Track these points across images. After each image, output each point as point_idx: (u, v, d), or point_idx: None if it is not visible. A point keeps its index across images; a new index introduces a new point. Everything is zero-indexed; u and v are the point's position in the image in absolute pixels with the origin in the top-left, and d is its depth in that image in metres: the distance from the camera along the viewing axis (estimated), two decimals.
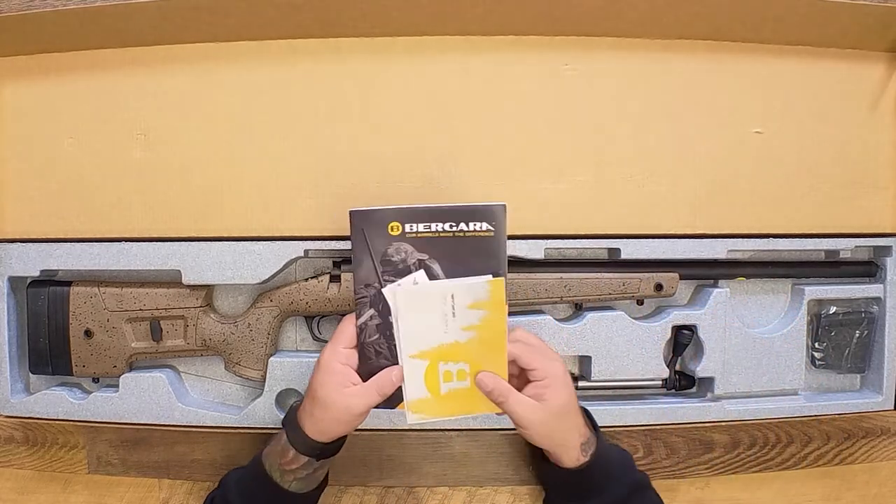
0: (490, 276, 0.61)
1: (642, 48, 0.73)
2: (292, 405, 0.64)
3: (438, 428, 0.74)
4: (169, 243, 0.72)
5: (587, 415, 0.66)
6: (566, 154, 0.73)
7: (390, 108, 0.72)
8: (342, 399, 0.59)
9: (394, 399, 0.62)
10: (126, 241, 0.72)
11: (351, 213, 0.61)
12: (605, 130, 0.73)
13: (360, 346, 0.61)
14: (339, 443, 0.63)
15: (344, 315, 0.73)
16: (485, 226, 0.61)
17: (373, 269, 0.61)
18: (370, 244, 0.60)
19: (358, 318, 0.61)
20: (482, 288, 0.60)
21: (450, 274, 0.61)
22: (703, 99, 0.74)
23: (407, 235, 0.60)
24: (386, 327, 0.61)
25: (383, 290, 0.61)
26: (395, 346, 0.61)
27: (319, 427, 0.60)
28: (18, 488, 0.79)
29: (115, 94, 0.72)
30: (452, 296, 0.60)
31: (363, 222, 0.60)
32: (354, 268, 0.61)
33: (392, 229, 0.60)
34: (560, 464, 0.63)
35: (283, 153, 0.72)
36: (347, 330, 0.61)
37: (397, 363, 0.61)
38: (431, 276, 0.61)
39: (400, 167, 0.73)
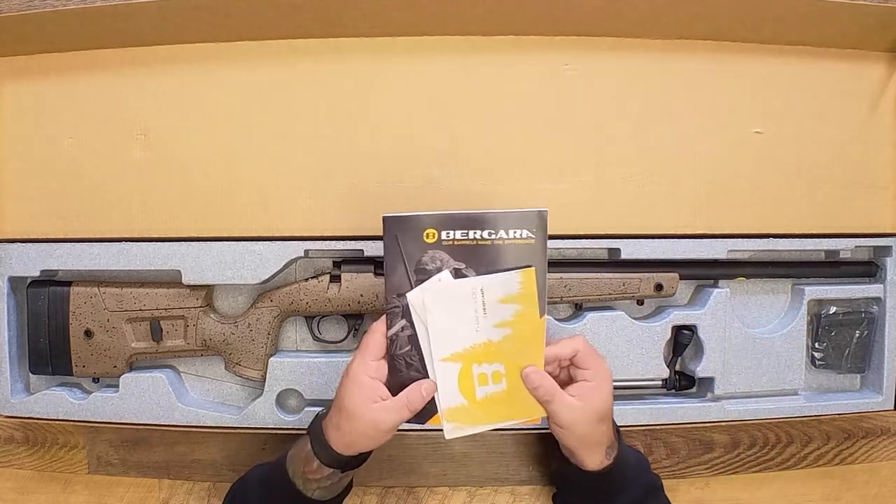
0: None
1: (642, 48, 0.73)
2: (318, 413, 0.62)
3: (439, 428, 0.74)
4: (169, 243, 0.72)
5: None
6: (566, 154, 0.73)
7: (390, 108, 0.72)
8: (370, 414, 0.57)
9: (424, 414, 0.59)
10: (126, 241, 0.72)
11: (384, 218, 0.57)
12: (605, 130, 0.73)
13: (390, 358, 0.59)
14: (364, 455, 0.62)
15: (346, 315, 0.74)
16: (525, 233, 0.58)
17: (406, 278, 0.58)
18: (404, 251, 0.58)
19: (389, 328, 0.59)
20: (513, 280, 0.58)
21: None
22: (703, 99, 0.74)
23: (443, 243, 0.57)
24: (418, 338, 0.59)
25: (408, 294, 0.58)
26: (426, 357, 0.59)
27: (345, 441, 0.58)
28: (18, 488, 0.79)
29: (115, 94, 0.72)
30: (482, 290, 0.58)
31: (397, 228, 0.57)
32: (386, 276, 0.58)
33: (428, 236, 0.57)
34: (583, 466, 0.62)
35: (283, 153, 0.72)
36: (377, 341, 0.59)
37: (428, 376, 0.59)
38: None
39: (400, 167, 0.73)
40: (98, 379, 0.75)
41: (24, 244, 0.73)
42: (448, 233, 0.58)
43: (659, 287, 0.73)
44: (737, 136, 0.74)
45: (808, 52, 0.74)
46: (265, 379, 0.73)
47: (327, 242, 0.72)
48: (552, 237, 0.72)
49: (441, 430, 0.60)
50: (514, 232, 0.58)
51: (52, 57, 0.72)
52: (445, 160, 0.73)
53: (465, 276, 0.58)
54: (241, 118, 0.72)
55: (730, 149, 0.74)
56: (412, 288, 0.58)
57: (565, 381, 0.61)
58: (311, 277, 0.73)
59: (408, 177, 0.73)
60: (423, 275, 0.58)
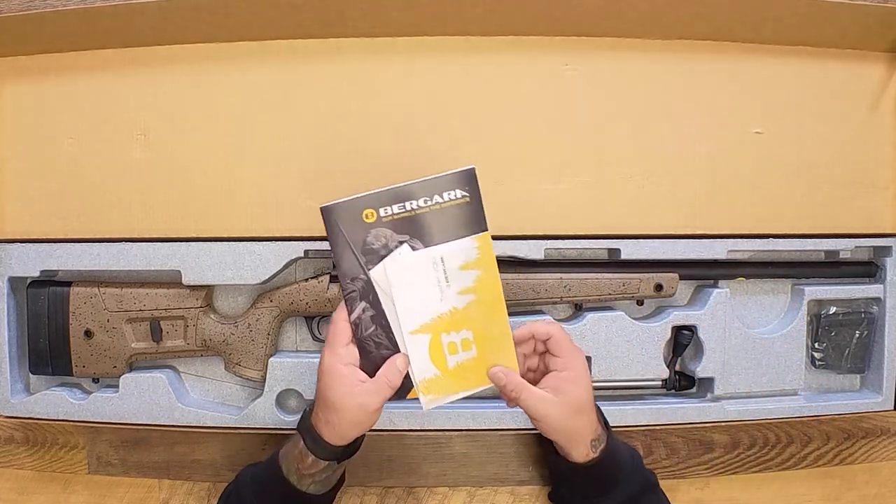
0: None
1: (642, 48, 0.73)
2: (305, 410, 0.63)
3: (438, 428, 0.74)
4: (169, 244, 0.72)
5: (599, 412, 0.66)
6: (566, 154, 0.73)
7: (390, 108, 0.72)
8: (354, 400, 0.58)
9: (402, 389, 0.60)
10: (126, 241, 0.72)
11: (322, 209, 0.58)
12: (605, 130, 0.73)
13: (359, 342, 0.60)
14: (358, 442, 0.62)
15: None
16: (459, 193, 0.59)
17: (356, 262, 0.59)
18: (348, 237, 0.59)
19: (351, 313, 0.60)
20: (470, 245, 0.60)
21: None
22: (703, 99, 0.74)
23: (383, 220, 0.59)
24: (380, 317, 0.60)
25: (370, 272, 0.59)
26: (393, 335, 0.60)
27: (337, 432, 0.59)
28: (18, 488, 0.79)
29: (115, 94, 0.72)
30: (442, 259, 0.59)
31: (336, 216, 0.58)
32: (337, 264, 0.60)
33: (367, 217, 0.59)
34: (569, 458, 0.62)
35: (283, 153, 0.72)
36: (342, 329, 0.60)
37: (399, 351, 0.60)
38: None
39: (400, 167, 0.72)
40: (98, 379, 0.75)
41: (24, 244, 0.73)
42: (386, 209, 0.59)
43: (659, 287, 0.73)
44: (737, 136, 0.74)
45: (808, 52, 0.74)
46: (265, 379, 0.73)
47: (327, 243, 0.72)
48: (552, 237, 0.73)
49: (420, 405, 0.61)
50: (448, 194, 0.59)
51: (52, 57, 0.72)
52: (445, 160, 0.72)
53: (412, 247, 0.59)
54: (241, 118, 0.72)
55: (730, 149, 0.74)
56: (364, 270, 0.59)
57: (543, 372, 0.62)
58: (311, 278, 0.73)
59: (408, 177, 0.72)
60: (370, 255, 0.59)
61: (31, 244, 0.73)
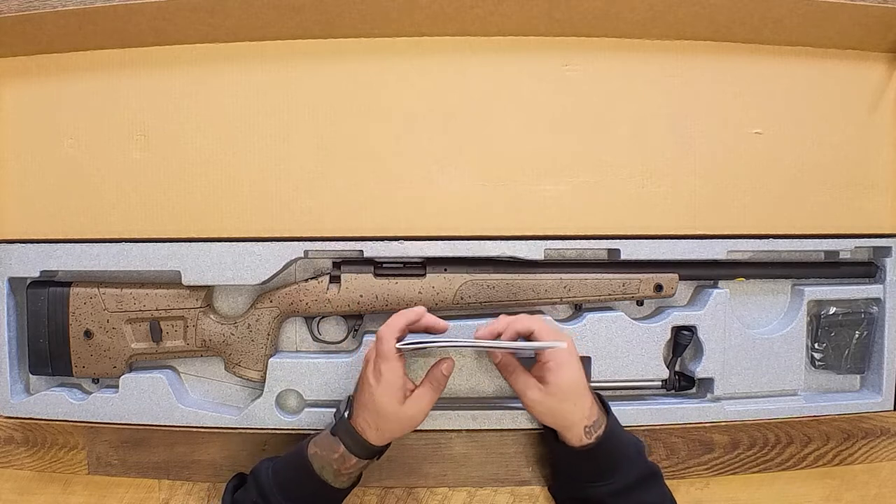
0: None
1: (642, 48, 0.73)
2: (342, 416, 0.64)
3: (438, 428, 0.74)
4: (169, 244, 0.72)
5: (600, 399, 0.67)
6: (566, 154, 0.73)
7: (390, 109, 0.72)
8: (407, 411, 0.62)
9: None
10: (126, 241, 0.72)
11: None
12: (605, 130, 0.73)
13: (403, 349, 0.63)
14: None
15: (345, 316, 0.75)
16: None
17: None
18: None
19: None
20: None
21: None
22: (703, 99, 0.74)
23: None
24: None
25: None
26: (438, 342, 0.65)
27: (385, 436, 0.62)
28: (18, 489, 0.78)
29: (115, 94, 0.72)
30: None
31: None
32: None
33: None
34: (566, 442, 0.64)
35: (283, 153, 0.72)
36: (389, 337, 0.62)
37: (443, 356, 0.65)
38: None
39: (400, 167, 0.72)
40: (98, 379, 0.75)
41: (24, 245, 0.73)
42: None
43: (658, 288, 0.73)
44: (737, 136, 0.74)
45: (808, 53, 0.74)
46: (265, 379, 0.73)
47: (327, 243, 0.72)
48: (552, 237, 0.73)
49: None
50: None
51: (52, 57, 0.72)
52: (445, 160, 0.73)
53: None
54: (241, 119, 0.72)
55: (730, 149, 0.74)
56: None
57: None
58: (311, 278, 0.73)
59: (408, 177, 0.73)
60: None
61: (31, 244, 0.73)
